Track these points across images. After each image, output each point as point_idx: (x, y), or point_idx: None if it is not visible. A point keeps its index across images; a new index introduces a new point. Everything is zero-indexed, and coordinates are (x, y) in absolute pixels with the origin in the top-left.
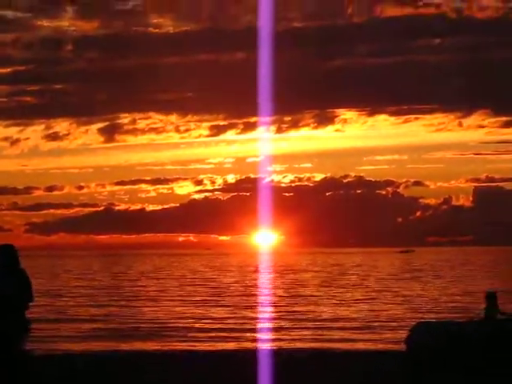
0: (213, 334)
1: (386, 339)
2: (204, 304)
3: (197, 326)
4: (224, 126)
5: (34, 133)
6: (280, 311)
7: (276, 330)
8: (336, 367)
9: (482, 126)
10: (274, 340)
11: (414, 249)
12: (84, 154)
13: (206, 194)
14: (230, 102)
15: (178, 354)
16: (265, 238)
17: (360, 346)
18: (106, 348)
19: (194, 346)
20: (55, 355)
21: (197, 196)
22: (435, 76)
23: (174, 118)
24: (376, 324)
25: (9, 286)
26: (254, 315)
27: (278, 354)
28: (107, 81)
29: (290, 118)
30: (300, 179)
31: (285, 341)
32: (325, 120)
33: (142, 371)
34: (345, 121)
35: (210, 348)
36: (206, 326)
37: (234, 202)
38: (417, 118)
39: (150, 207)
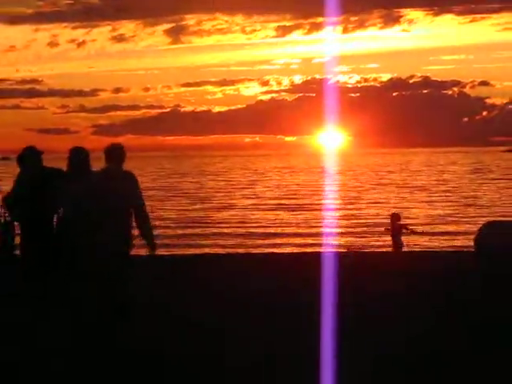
0: (282, 239)
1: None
2: (274, 208)
3: (266, 230)
4: (290, 26)
5: (100, 35)
6: (346, 214)
7: (342, 234)
8: (406, 268)
9: None
10: (340, 245)
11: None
12: (150, 56)
13: (273, 94)
14: (296, 2)
15: (246, 256)
16: (331, 139)
17: (427, 247)
18: (178, 252)
19: (272, 249)
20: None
21: (263, 97)
22: None
23: (239, 18)
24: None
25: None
26: (321, 218)
27: (344, 257)
28: None
29: (356, 18)
30: (366, 80)
31: (352, 245)
32: (391, 20)
33: (213, 272)
34: (411, 20)
35: (280, 251)
36: (274, 230)
37: (301, 103)
38: (483, 18)
39: (217, 108)
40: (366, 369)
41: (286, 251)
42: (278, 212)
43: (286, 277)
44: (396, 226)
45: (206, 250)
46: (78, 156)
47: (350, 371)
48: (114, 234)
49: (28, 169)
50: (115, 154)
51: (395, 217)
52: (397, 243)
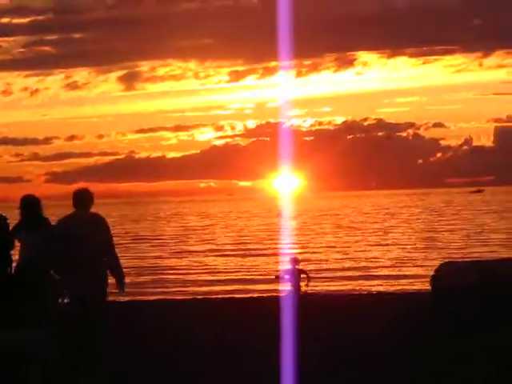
0: (235, 285)
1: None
2: (230, 253)
3: (215, 277)
4: (243, 71)
5: (54, 82)
6: (303, 259)
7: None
8: (361, 310)
9: (502, 66)
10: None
11: (483, 188)
12: (104, 103)
13: (227, 139)
14: (249, 47)
15: (201, 302)
16: (286, 183)
17: (384, 288)
18: (127, 299)
19: (216, 295)
20: None
21: (217, 142)
22: (454, 17)
23: (193, 64)
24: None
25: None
26: (276, 263)
27: (301, 299)
28: (126, 29)
29: (309, 62)
30: (320, 123)
31: (308, 287)
32: (345, 63)
33: (168, 320)
34: (365, 63)
35: (233, 296)
36: (226, 276)
37: (255, 148)
38: (437, 60)
39: (171, 154)
40: None
41: (243, 296)
42: (233, 257)
43: (243, 322)
44: (295, 271)
45: (162, 297)
46: (29, 204)
47: None
48: (89, 283)
49: None
50: (82, 198)
51: (294, 261)
52: (297, 288)
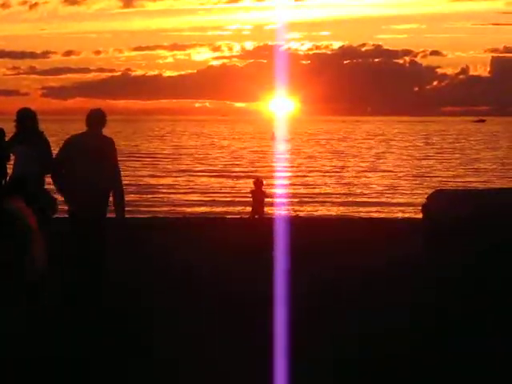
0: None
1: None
2: (221, 175)
3: (207, 197)
4: None
5: None
6: (295, 183)
7: (290, 202)
8: (350, 236)
9: None
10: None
11: (484, 118)
12: (102, 19)
13: (224, 60)
14: None
15: (190, 220)
16: (281, 106)
17: (376, 214)
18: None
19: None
20: None
21: (214, 62)
22: None
23: None
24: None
25: None
26: (268, 185)
27: (293, 221)
28: None
29: None
30: (318, 47)
31: (300, 211)
32: None
33: (159, 235)
34: None
35: (224, 217)
36: (219, 197)
37: (251, 69)
38: None
39: (167, 73)
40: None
41: (233, 217)
42: (225, 179)
43: (233, 244)
44: (259, 193)
45: (152, 215)
46: (25, 117)
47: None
48: (92, 206)
49: None
50: (95, 118)
51: (258, 183)
52: (257, 210)
